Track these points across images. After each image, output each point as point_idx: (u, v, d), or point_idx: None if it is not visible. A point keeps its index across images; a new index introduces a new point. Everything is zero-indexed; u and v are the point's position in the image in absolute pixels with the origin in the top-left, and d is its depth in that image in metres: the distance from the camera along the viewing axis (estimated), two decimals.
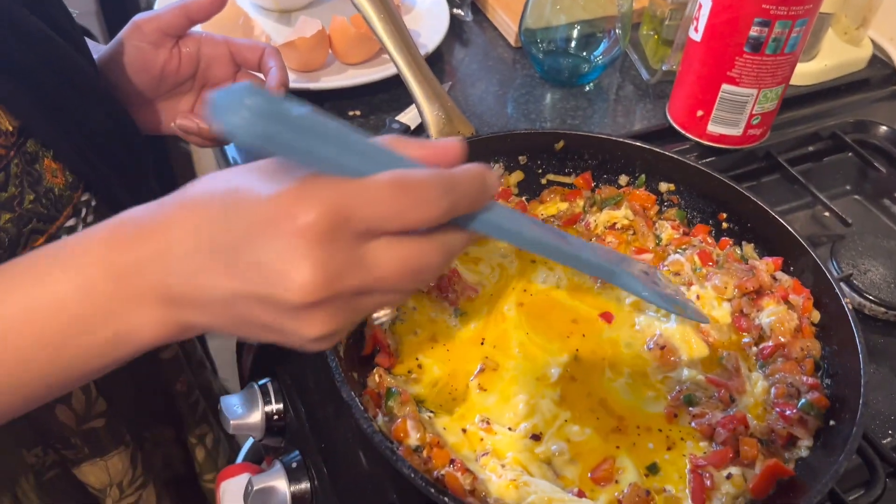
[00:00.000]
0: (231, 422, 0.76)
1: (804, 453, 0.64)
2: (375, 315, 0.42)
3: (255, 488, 0.71)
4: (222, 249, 0.39)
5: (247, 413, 0.77)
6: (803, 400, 0.65)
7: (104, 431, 0.80)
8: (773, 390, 0.67)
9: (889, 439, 0.73)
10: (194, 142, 0.84)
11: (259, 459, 0.95)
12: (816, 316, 0.72)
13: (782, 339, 0.71)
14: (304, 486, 0.72)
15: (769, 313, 0.72)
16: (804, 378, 0.67)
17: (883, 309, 0.83)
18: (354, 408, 0.57)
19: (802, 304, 0.73)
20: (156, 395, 0.93)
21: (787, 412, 0.64)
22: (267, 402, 0.77)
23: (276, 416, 0.77)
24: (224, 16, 0.99)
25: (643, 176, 0.85)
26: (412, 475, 0.54)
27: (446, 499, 0.53)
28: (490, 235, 0.46)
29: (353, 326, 0.42)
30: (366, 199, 0.37)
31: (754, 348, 0.72)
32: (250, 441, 0.96)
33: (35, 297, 0.42)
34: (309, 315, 0.39)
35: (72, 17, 0.74)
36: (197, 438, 1.01)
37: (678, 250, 0.80)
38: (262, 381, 0.79)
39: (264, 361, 0.85)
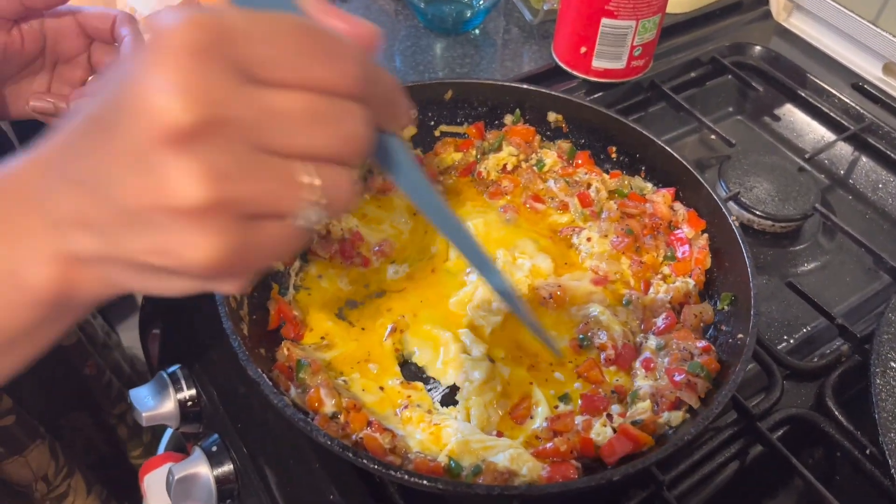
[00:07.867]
0: (143, 414, 0.73)
1: (676, 422, 0.62)
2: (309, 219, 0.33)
3: (176, 477, 0.68)
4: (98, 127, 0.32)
5: (159, 403, 0.74)
6: (694, 362, 0.64)
7: (16, 428, 0.77)
8: (666, 359, 0.66)
9: (784, 344, 0.77)
10: (52, 123, 0.79)
11: (182, 448, 0.93)
12: (708, 262, 0.74)
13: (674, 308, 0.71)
14: (228, 468, 0.70)
15: (665, 290, 0.73)
16: (697, 343, 0.67)
17: (770, 222, 0.87)
18: (263, 384, 0.56)
19: (699, 249, 0.74)
20: (65, 381, 0.90)
21: (676, 377, 0.63)
22: (178, 389, 0.74)
23: (189, 403, 0.75)
24: None
25: (518, 111, 0.85)
26: (328, 442, 0.53)
27: (364, 460, 0.53)
28: (389, 170, 0.38)
29: (275, 244, 0.33)
30: (262, 33, 0.30)
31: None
32: (170, 431, 0.93)
33: None
34: (186, 161, 0.29)
35: None
36: (116, 418, 0.99)
37: (557, 179, 0.82)
38: (171, 369, 0.76)
39: (171, 348, 0.83)
